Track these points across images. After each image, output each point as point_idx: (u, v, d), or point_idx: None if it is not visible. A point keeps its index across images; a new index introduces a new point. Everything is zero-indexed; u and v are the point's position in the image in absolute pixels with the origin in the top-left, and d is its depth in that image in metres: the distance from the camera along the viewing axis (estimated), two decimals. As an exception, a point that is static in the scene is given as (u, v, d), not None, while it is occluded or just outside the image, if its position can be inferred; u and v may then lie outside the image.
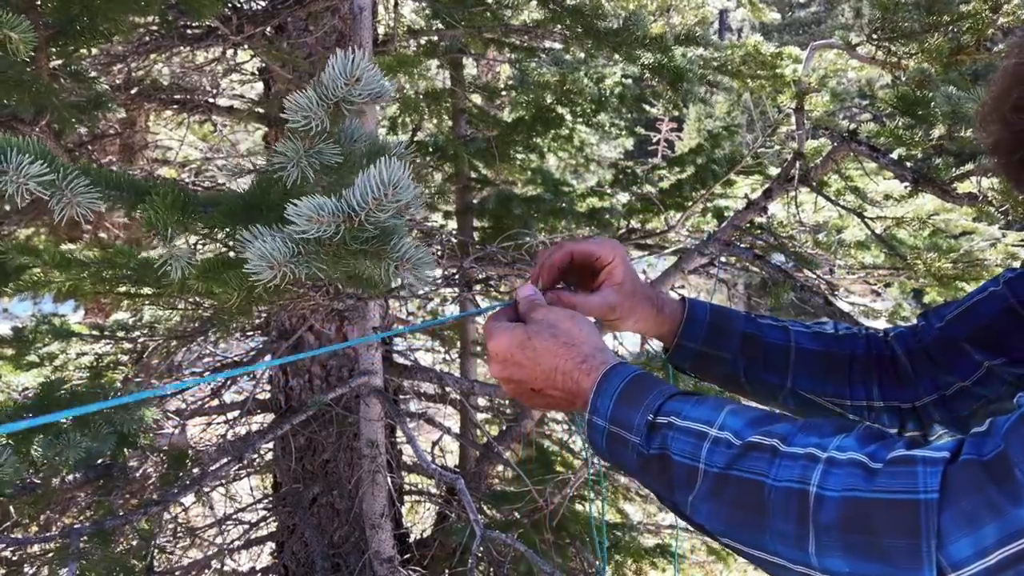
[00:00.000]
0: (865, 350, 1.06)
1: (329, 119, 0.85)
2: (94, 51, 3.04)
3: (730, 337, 1.06)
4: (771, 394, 1.07)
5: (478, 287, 4.33)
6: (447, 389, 4.00)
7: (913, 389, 1.03)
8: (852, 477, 0.65)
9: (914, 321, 1.10)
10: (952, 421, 1.01)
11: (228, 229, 0.96)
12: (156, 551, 2.91)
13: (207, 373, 3.70)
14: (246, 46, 3.43)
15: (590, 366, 0.86)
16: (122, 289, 2.26)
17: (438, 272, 4.04)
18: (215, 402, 3.62)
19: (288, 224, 0.76)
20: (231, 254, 1.02)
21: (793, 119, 3.47)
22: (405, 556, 3.62)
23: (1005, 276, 0.98)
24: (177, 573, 3.24)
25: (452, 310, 4.74)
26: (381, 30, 3.85)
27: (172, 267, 0.89)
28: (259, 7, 3.29)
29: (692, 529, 0.85)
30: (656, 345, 3.22)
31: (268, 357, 3.72)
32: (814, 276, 3.68)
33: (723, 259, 3.71)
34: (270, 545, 4.00)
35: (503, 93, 4.63)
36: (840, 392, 1.04)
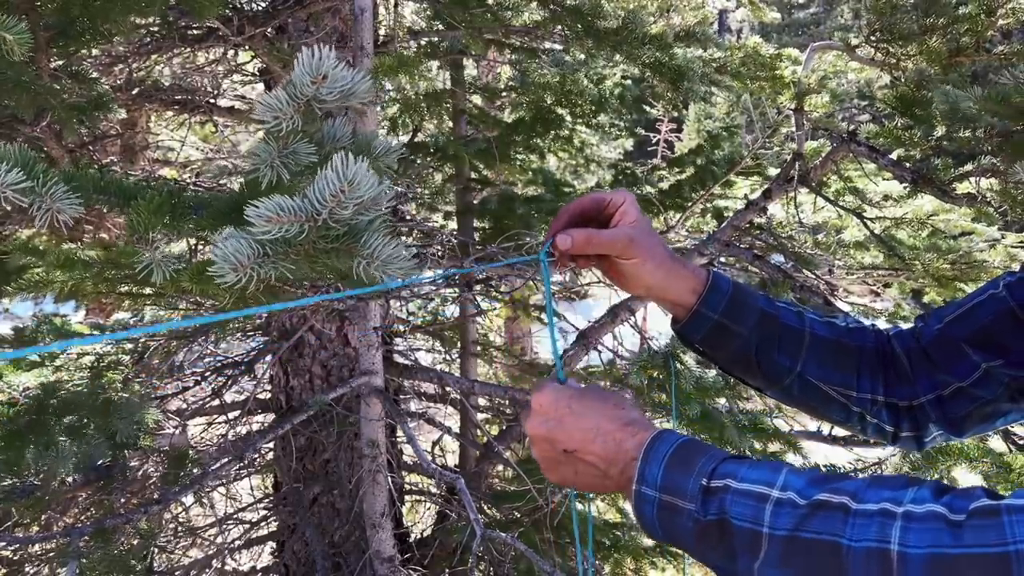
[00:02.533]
0: (874, 344, 1.05)
1: (301, 119, 0.84)
2: (95, 52, 3.05)
3: (749, 312, 1.02)
4: (779, 377, 1.04)
5: (478, 287, 4.34)
6: (447, 389, 4.01)
7: (911, 388, 1.02)
8: (935, 532, 0.62)
9: (912, 323, 1.10)
10: (948, 421, 1.01)
11: (219, 230, 0.95)
12: (157, 551, 2.91)
13: (208, 373, 3.70)
14: (247, 47, 3.44)
15: (636, 428, 0.83)
16: (123, 289, 2.27)
17: (439, 272, 4.04)
18: (216, 402, 3.63)
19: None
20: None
21: (792, 120, 3.48)
22: (405, 555, 3.63)
23: (1004, 279, 0.98)
24: (178, 573, 3.25)
25: (452, 310, 4.74)
26: (382, 31, 3.86)
27: (155, 272, 0.89)
28: (260, 8, 3.30)
29: None
30: (654, 344, 3.22)
31: (269, 357, 3.73)
32: (813, 276, 3.69)
33: (722, 259, 3.72)
34: (271, 544, 4.01)
35: (503, 94, 4.64)
36: (847, 383, 1.03)
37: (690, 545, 0.76)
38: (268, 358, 3.77)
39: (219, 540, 3.58)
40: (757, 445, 2.83)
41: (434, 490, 4.31)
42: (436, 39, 3.70)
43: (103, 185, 0.87)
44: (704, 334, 1.03)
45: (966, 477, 2.32)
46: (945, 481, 2.30)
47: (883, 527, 0.64)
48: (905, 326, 1.10)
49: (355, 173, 0.74)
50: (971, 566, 0.60)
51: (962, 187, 2.96)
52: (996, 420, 1.00)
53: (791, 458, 2.96)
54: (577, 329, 3.55)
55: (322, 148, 0.92)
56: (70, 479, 2.32)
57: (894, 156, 3.07)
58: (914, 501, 0.65)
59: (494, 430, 4.60)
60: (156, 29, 3.12)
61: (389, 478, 3.17)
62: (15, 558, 2.52)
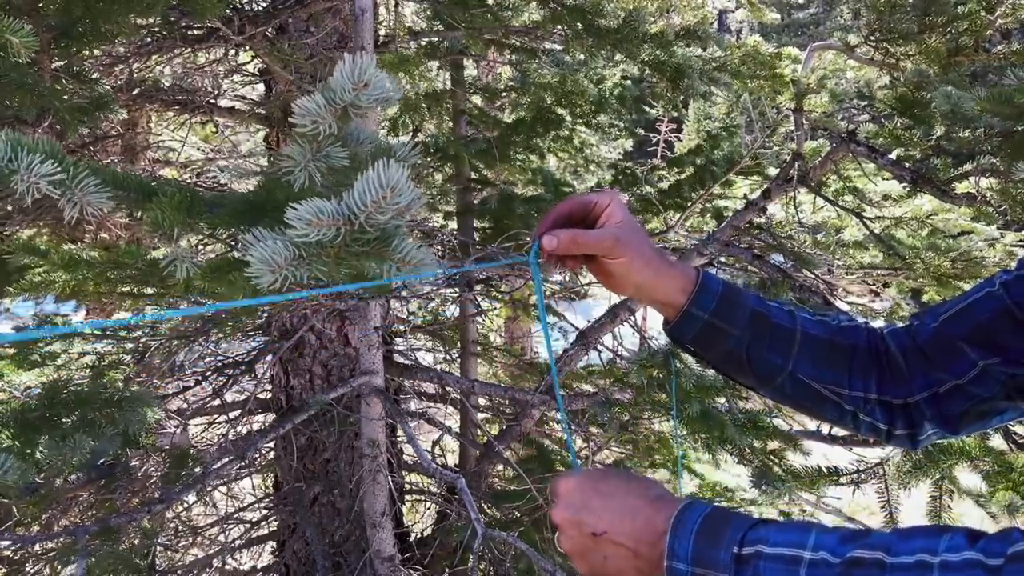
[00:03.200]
0: (866, 342, 1.05)
1: (337, 123, 0.85)
2: (96, 52, 3.05)
3: (740, 311, 1.02)
4: (771, 376, 1.04)
5: (479, 287, 4.34)
6: (447, 389, 4.01)
7: (906, 386, 1.02)
8: None
9: (908, 321, 1.10)
10: (943, 419, 1.01)
11: (233, 230, 0.96)
12: (159, 549, 2.92)
13: (209, 372, 3.71)
14: (247, 47, 3.45)
15: (664, 503, 0.83)
16: (125, 289, 2.27)
17: (439, 272, 4.05)
18: (216, 402, 3.63)
19: (289, 227, 0.76)
20: (236, 255, 1.02)
21: (792, 120, 3.49)
22: (406, 555, 3.63)
23: (1000, 278, 0.98)
24: (179, 572, 3.25)
25: (452, 310, 4.75)
26: (382, 31, 3.87)
27: (177, 267, 0.89)
28: (260, 8, 3.30)
29: None
30: (654, 344, 3.23)
31: (269, 357, 3.73)
32: (813, 276, 3.70)
33: (722, 259, 3.73)
34: (271, 544, 4.01)
35: (503, 94, 4.65)
36: (839, 381, 1.02)
37: None
38: (268, 358, 3.78)
39: (220, 539, 3.58)
40: (756, 444, 2.83)
41: (434, 490, 4.32)
42: (436, 39, 3.71)
43: (123, 181, 0.88)
44: (695, 334, 1.03)
45: (967, 477, 2.33)
46: (948, 484, 2.30)
47: None
48: (900, 324, 1.10)
49: (397, 180, 0.75)
50: None
51: (961, 187, 2.97)
52: (992, 418, 1.00)
53: (791, 457, 2.97)
54: (577, 329, 3.56)
55: (346, 149, 0.92)
56: (73, 477, 2.32)
57: (893, 156, 3.08)
58: (949, 550, 0.64)
59: (494, 430, 4.61)
60: (157, 29, 3.12)
61: (389, 478, 3.17)
62: (16, 557, 2.53)
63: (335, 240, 0.77)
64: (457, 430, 4.41)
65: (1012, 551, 0.62)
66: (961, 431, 1.03)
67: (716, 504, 0.82)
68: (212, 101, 3.91)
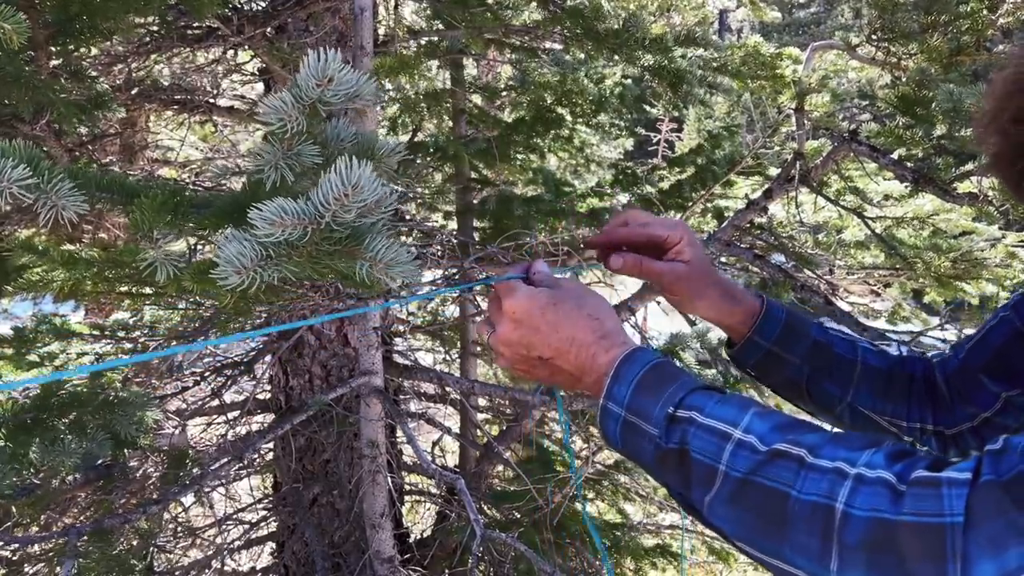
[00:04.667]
0: (923, 373, 1.06)
1: (306, 120, 0.83)
2: (94, 51, 3.04)
3: (802, 341, 1.04)
4: (829, 405, 1.05)
5: (478, 287, 4.33)
6: (447, 389, 4.00)
7: (952, 416, 1.03)
8: (879, 497, 0.64)
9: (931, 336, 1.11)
10: None
11: (220, 230, 0.95)
12: (156, 551, 2.91)
13: (208, 373, 3.70)
14: (246, 47, 3.44)
15: (611, 343, 0.83)
16: (123, 288, 2.26)
17: (439, 272, 4.04)
18: (215, 402, 3.62)
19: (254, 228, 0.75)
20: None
21: (793, 119, 3.48)
22: (405, 556, 3.62)
23: (1014, 299, 0.99)
24: (177, 573, 3.24)
25: (452, 310, 4.74)
26: (382, 31, 3.86)
27: (159, 270, 0.88)
28: (259, 8, 3.29)
29: (701, 526, 0.81)
30: (654, 344, 3.22)
31: (268, 357, 3.72)
32: (814, 276, 3.69)
33: (723, 259, 3.72)
34: (270, 545, 4.00)
35: (503, 93, 4.63)
36: (898, 413, 1.04)
37: (648, 465, 0.78)
38: (268, 358, 3.77)
39: (219, 540, 3.57)
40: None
41: (434, 490, 4.31)
42: (436, 39, 3.70)
43: (106, 183, 0.86)
44: (756, 360, 1.06)
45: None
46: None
47: (833, 484, 0.66)
48: (945, 352, 1.11)
49: (359, 176, 0.74)
50: (908, 532, 0.62)
51: (963, 186, 2.96)
52: None
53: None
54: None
55: (326, 149, 0.91)
56: (70, 478, 2.31)
57: (895, 155, 3.07)
58: (868, 465, 0.66)
59: (494, 430, 4.60)
60: (155, 28, 3.11)
61: (389, 478, 3.16)
62: (14, 558, 2.52)
63: (303, 240, 0.76)
64: (457, 430, 4.40)
65: (914, 476, 0.64)
66: None
67: (665, 358, 0.81)
68: (211, 100, 3.90)
